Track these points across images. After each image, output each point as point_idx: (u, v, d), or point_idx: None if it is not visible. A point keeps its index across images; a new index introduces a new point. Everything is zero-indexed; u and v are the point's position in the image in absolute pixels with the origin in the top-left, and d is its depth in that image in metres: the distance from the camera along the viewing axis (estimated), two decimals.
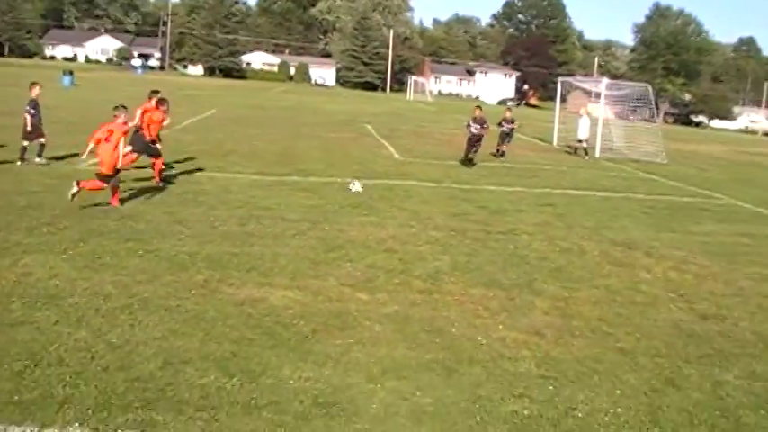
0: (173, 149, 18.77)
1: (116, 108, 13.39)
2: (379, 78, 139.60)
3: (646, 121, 40.63)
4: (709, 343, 8.54)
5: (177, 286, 8.70)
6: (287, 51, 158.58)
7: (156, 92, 16.67)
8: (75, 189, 12.43)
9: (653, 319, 9.24)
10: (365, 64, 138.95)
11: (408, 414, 6.03)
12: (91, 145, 12.92)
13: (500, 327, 8.32)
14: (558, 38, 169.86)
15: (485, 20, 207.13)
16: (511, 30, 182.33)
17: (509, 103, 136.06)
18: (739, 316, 9.79)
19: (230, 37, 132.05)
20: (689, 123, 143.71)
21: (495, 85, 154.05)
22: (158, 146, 15.89)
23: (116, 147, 12.94)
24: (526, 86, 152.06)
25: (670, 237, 14.91)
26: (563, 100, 41.95)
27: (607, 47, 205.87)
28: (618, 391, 6.90)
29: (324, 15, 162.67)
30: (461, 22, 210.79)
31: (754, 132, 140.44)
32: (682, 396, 6.96)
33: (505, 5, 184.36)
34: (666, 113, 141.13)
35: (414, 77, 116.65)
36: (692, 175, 28.88)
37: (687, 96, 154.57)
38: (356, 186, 17.01)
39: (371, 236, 12.27)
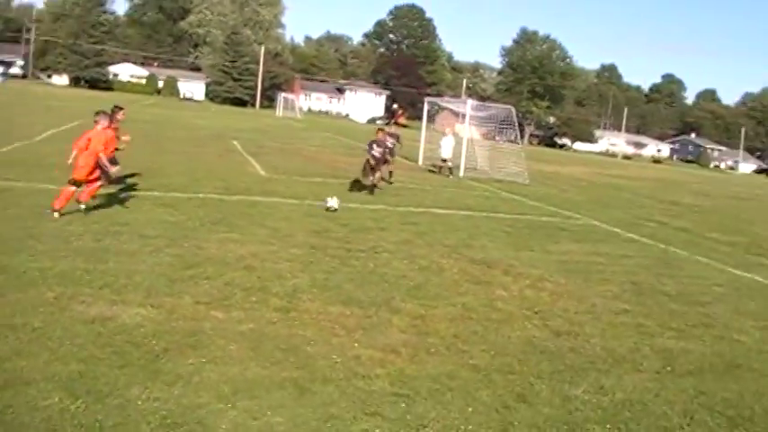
0: (30, 162, 18.13)
1: (96, 113, 14.03)
2: (249, 94, 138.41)
3: (510, 142, 41.58)
4: (561, 359, 8.79)
5: (25, 304, 8.37)
6: (156, 64, 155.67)
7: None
8: (56, 215, 13.19)
9: (507, 336, 9.42)
10: (235, 79, 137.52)
11: None
12: (74, 153, 13.61)
13: (356, 345, 8.33)
14: (428, 58, 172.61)
15: (356, 38, 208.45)
16: (382, 49, 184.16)
17: (378, 122, 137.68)
18: (591, 332, 10.11)
19: (97, 47, 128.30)
20: (553, 145, 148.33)
21: (364, 104, 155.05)
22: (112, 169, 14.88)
23: (94, 155, 13.63)
24: (395, 106, 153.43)
25: (528, 255, 15.30)
26: (430, 120, 42.65)
27: (475, 69, 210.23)
28: (470, 408, 7.00)
29: (194, 28, 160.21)
30: (332, 40, 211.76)
31: (614, 155, 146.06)
32: (532, 412, 7.11)
33: (377, 25, 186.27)
34: (532, 135, 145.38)
35: (283, 94, 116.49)
36: (552, 196, 29.72)
37: (551, 119, 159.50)
38: (333, 203, 17.48)
39: (231, 253, 12.13)
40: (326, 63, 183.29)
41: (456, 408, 6.98)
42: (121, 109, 17.32)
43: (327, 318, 9.22)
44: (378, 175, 23.13)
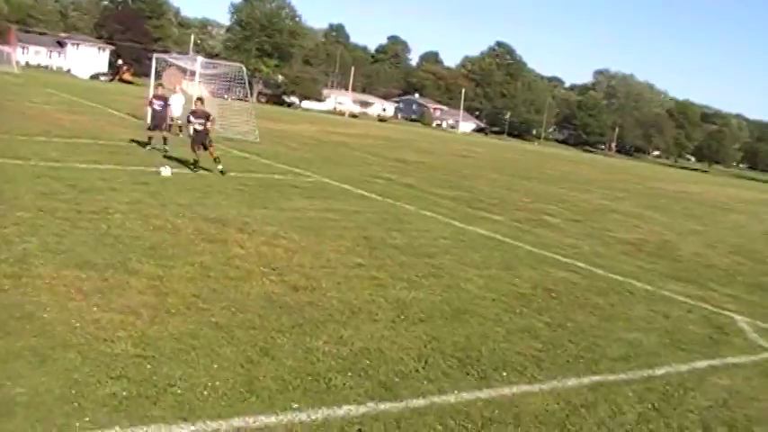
0: None
1: None
2: None
3: (240, 100, 41.43)
4: (300, 313, 9.01)
5: None
6: None
7: None
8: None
9: (247, 293, 9.54)
10: None
11: None
12: None
13: (94, 309, 8.12)
14: (153, 13, 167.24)
15: None
16: (105, 2, 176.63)
17: (102, 78, 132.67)
18: (327, 286, 10.42)
19: None
20: (281, 103, 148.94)
21: (87, 59, 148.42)
22: None
23: None
24: (120, 61, 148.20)
25: (262, 213, 15.46)
26: (158, 77, 41.49)
27: (204, 25, 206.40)
28: (215, 365, 7.05)
29: None
30: None
31: (341, 113, 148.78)
32: (276, 365, 7.28)
33: None
34: (260, 93, 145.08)
35: None
36: (283, 154, 30.00)
37: (280, 77, 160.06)
38: (166, 171, 17.51)
39: None
40: (46, 15, 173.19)
41: (201, 366, 7.01)
42: None
43: (62, 282, 8.89)
44: (212, 148, 21.40)
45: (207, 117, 21.66)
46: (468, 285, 11.69)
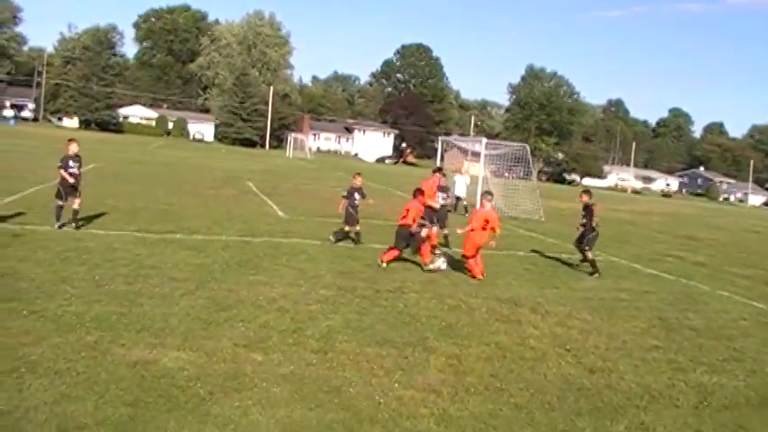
0: (49, 206, 18.15)
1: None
2: (258, 135, 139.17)
3: (521, 179, 41.65)
4: (599, 396, 8.81)
5: (66, 348, 8.44)
6: (165, 106, 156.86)
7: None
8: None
9: (543, 374, 9.46)
10: (244, 120, 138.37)
11: None
12: None
13: (396, 385, 8.36)
14: (435, 97, 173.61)
15: (364, 78, 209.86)
16: (389, 88, 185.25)
17: (387, 161, 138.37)
18: (624, 369, 10.13)
19: (107, 89, 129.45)
20: (562, 181, 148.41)
21: (373, 143, 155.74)
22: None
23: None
24: (404, 144, 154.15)
25: (553, 293, 15.34)
26: (441, 158, 42.68)
27: (483, 106, 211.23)
28: None
29: (203, 71, 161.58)
30: (340, 80, 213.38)
31: (623, 190, 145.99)
32: None
33: (384, 64, 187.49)
34: (540, 171, 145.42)
35: (293, 134, 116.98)
36: (568, 233, 29.63)
37: (560, 155, 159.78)
38: (442, 265, 16.82)
39: (261, 295, 12.18)
40: (334, 103, 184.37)
41: None
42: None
43: (365, 358, 9.26)
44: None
45: (447, 190, 21.46)
46: None
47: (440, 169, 21.72)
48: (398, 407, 7.71)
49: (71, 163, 17.27)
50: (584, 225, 19.27)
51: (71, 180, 17.10)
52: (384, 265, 16.21)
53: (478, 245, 16.37)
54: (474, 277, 16.15)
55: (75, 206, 17.07)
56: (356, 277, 14.72)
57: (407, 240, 16.73)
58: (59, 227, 16.69)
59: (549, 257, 21.17)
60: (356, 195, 20.00)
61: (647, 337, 12.20)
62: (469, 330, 11.34)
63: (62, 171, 17.10)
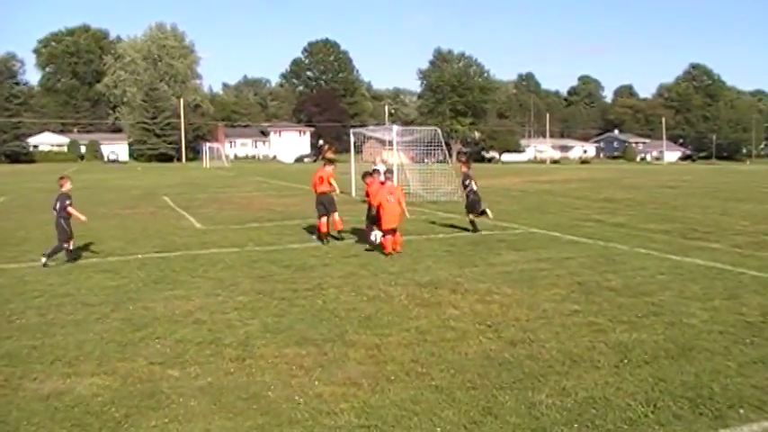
0: None
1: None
2: (174, 148, 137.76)
3: (440, 162, 41.87)
4: (520, 368, 8.86)
5: None
6: (75, 130, 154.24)
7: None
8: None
9: (464, 353, 9.49)
10: (158, 135, 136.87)
11: None
12: None
13: (316, 383, 8.33)
14: (347, 91, 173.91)
15: (274, 80, 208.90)
16: (301, 87, 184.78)
17: (306, 160, 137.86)
18: (545, 337, 10.24)
19: (13, 120, 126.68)
20: (481, 160, 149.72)
21: (290, 144, 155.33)
22: None
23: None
24: (321, 141, 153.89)
25: (473, 271, 15.43)
26: (358, 151, 42.65)
27: (396, 95, 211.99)
28: (438, 429, 7.03)
29: (110, 90, 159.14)
30: (251, 84, 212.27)
31: (542, 161, 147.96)
32: (500, 423, 7.16)
33: (293, 64, 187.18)
34: (459, 152, 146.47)
35: (208, 144, 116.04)
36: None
37: (476, 134, 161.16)
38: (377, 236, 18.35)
39: (178, 309, 12.04)
40: (247, 108, 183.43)
41: (424, 430, 7.00)
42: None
43: (284, 360, 9.20)
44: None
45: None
46: (691, 320, 11.15)
47: (372, 173, 21.23)
48: (318, 404, 7.67)
49: None
50: (467, 192, 21.94)
51: None
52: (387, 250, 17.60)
53: (397, 215, 17.80)
54: (388, 253, 17.31)
55: None
56: (274, 280, 14.64)
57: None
58: None
59: (468, 236, 21.29)
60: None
61: (567, 303, 12.35)
62: (389, 319, 11.34)
63: None
